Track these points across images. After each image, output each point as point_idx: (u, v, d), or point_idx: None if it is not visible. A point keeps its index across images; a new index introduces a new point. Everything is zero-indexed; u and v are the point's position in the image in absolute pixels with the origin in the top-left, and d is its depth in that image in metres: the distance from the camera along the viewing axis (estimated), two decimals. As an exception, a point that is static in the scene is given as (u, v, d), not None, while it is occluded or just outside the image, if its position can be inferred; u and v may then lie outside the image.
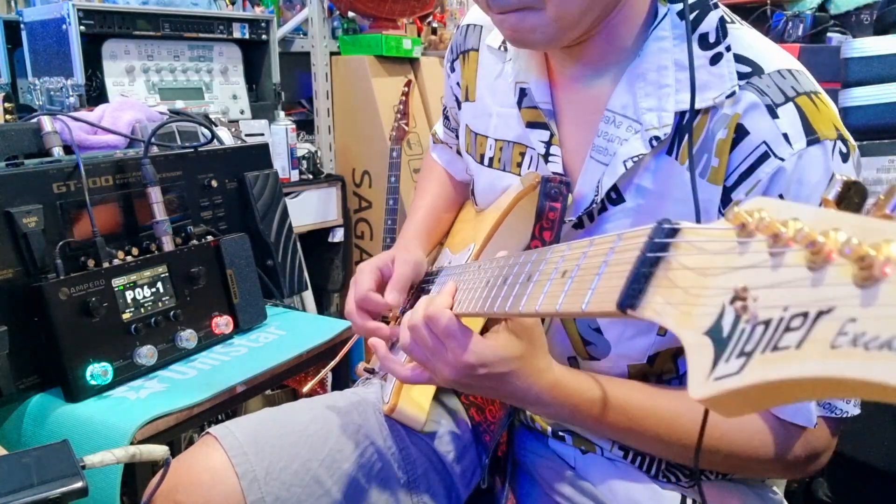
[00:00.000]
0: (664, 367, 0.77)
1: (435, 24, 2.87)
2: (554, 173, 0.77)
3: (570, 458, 0.83)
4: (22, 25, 1.83)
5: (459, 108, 0.94)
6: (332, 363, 1.10)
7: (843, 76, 1.48)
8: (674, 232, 0.39)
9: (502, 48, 0.85)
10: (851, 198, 0.33)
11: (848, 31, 1.94)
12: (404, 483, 0.84)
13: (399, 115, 2.18)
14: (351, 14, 2.52)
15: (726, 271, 0.34)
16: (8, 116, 1.61)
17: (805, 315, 0.28)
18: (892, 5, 1.58)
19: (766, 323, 0.30)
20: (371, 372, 0.99)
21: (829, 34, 1.92)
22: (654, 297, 0.38)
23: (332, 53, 2.46)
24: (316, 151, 2.37)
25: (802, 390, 0.28)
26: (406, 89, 2.19)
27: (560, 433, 0.83)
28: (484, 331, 0.65)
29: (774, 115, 0.66)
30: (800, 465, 0.72)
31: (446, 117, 1.04)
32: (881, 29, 1.62)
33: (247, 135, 1.90)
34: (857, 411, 0.71)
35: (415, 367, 0.69)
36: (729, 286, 0.33)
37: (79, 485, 0.59)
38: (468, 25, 0.92)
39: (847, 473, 1.36)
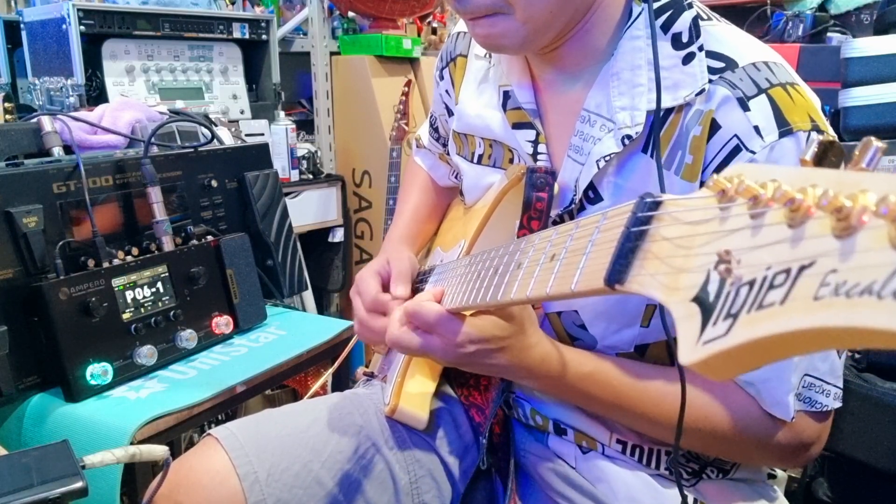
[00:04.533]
0: (657, 360, 0.77)
1: (435, 24, 2.87)
2: (534, 157, 0.78)
3: (571, 458, 0.83)
4: (22, 25, 1.83)
5: (451, 114, 0.95)
6: (334, 367, 1.11)
7: (843, 76, 1.47)
8: (656, 205, 0.40)
9: (487, 55, 0.87)
10: (829, 158, 0.33)
11: (848, 31, 1.94)
12: (406, 484, 0.84)
13: (399, 115, 2.18)
14: (351, 14, 2.52)
15: (709, 238, 0.34)
16: (8, 116, 1.61)
17: (787, 272, 0.28)
18: (892, 5, 1.58)
19: (751, 283, 0.30)
20: (370, 376, 0.99)
21: (829, 34, 1.92)
22: (640, 271, 0.39)
23: (332, 53, 2.46)
24: (316, 151, 2.37)
25: (791, 345, 0.28)
26: (406, 89, 2.19)
27: (562, 426, 0.83)
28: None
29: (746, 108, 0.66)
30: (788, 454, 0.73)
31: (433, 126, 1.05)
32: (881, 29, 1.62)
33: (247, 135, 1.89)
34: (837, 404, 0.71)
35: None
36: (712, 252, 0.33)
37: (79, 485, 0.59)
38: (458, 33, 0.94)
39: (847, 473, 1.36)
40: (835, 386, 0.71)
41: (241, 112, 2.10)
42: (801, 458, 0.74)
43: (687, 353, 0.32)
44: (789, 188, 0.30)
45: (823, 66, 1.63)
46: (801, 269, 0.28)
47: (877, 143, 0.29)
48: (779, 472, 0.88)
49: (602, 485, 0.80)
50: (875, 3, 1.89)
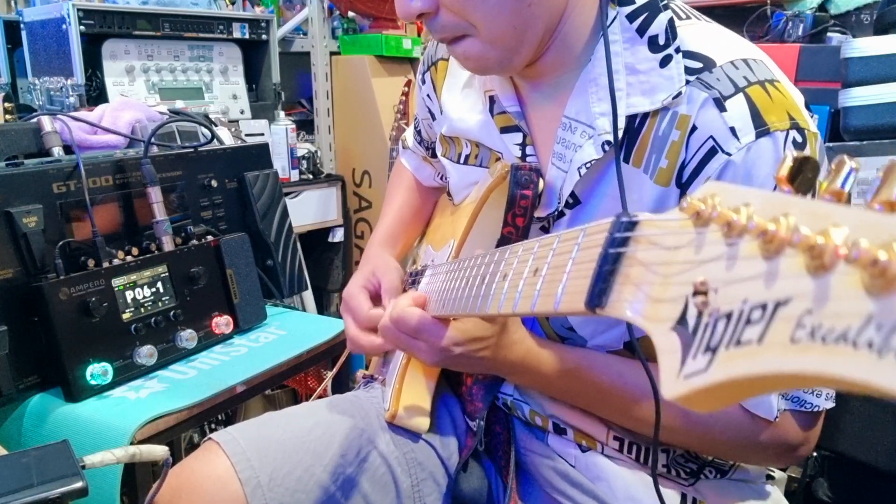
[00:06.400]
0: (647, 355, 0.77)
1: (435, 24, 2.87)
2: (523, 161, 0.78)
3: (570, 457, 0.83)
4: (22, 25, 1.83)
5: (434, 118, 0.96)
6: (335, 370, 1.11)
7: (843, 76, 1.47)
8: (632, 225, 0.39)
9: None
10: (805, 174, 0.32)
11: (848, 31, 1.94)
12: (408, 487, 0.84)
13: (399, 115, 2.18)
14: (351, 14, 2.52)
15: (686, 265, 0.33)
16: (8, 116, 1.61)
17: (764, 307, 0.28)
18: (892, 5, 1.58)
19: (728, 316, 0.29)
20: (370, 378, 0.99)
21: (829, 34, 1.92)
22: (620, 296, 0.38)
23: (332, 53, 2.46)
24: (316, 151, 2.37)
25: (771, 384, 0.28)
26: (406, 89, 2.19)
27: (561, 426, 0.83)
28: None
29: (722, 109, 0.65)
30: (773, 454, 0.73)
31: (416, 129, 1.05)
32: (881, 29, 1.62)
33: (247, 135, 1.89)
34: (829, 405, 0.70)
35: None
36: (689, 281, 0.32)
37: (79, 485, 0.59)
38: None
39: (847, 473, 1.36)
40: None
41: (241, 112, 2.10)
42: (789, 457, 0.73)
43: (669, 387, 0.31)
44: (762, 219, 0.29)
45: (823, 66, 1.62)
46: (778, 305, 0.27)
47: (850, 163, 0.29)
48: (778, 473, 0.88)
49: (601, 483, 0.80)
50: (875, 3, 1.88)
